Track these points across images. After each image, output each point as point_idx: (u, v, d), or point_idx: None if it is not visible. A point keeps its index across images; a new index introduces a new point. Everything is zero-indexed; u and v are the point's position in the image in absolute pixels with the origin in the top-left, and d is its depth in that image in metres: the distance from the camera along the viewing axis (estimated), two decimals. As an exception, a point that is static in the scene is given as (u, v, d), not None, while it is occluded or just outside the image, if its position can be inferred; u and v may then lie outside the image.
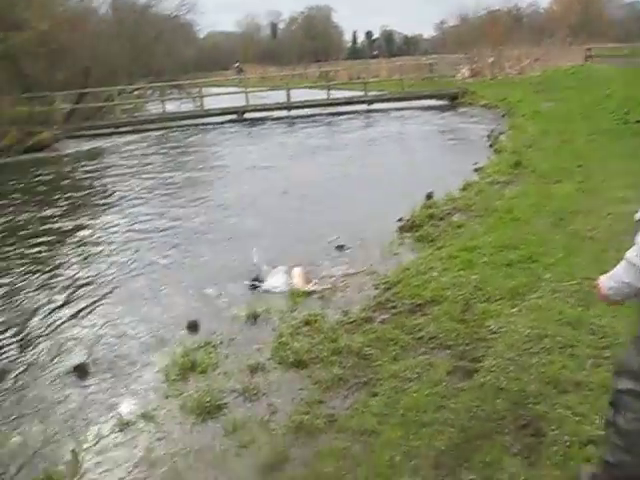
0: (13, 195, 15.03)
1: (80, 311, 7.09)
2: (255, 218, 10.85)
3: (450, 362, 4.80)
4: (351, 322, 5.78)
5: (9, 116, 22.61)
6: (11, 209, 13.35)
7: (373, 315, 5.90)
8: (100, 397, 5.00)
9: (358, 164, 15.12)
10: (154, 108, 31.08)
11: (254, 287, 7.24)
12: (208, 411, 4.47)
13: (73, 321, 6.85)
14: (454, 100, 27.69)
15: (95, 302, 7.34)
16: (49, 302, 7.43)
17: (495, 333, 5.20)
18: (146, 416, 4.52)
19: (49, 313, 7.09)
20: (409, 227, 8.91)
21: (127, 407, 4.74)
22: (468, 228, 8.31)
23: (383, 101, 28.53)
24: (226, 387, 4.81)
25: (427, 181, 11.71)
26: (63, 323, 6.79)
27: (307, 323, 5.85)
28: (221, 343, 5.66)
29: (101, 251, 9.72)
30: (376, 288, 6.72)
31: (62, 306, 7.30)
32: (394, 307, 6.02)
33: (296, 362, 5.07)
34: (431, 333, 5.30)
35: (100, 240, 10.41)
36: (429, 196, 10.34)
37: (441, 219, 9.05)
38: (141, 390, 5.03)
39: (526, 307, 5.59)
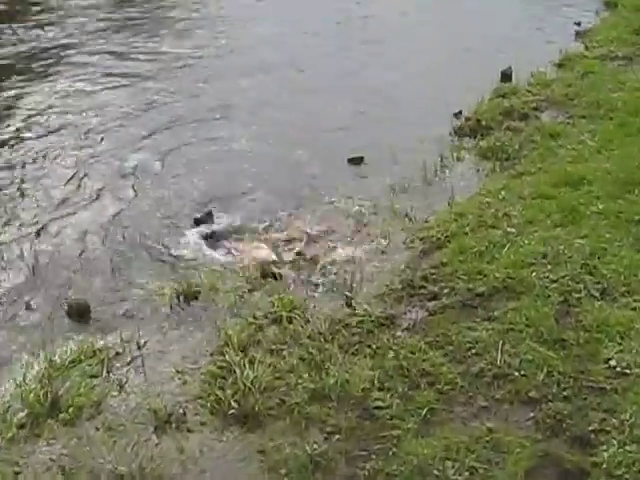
0: None
1: None
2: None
3: (535, 442, 3.22)
4: (355, 325, 4.17)
5: None
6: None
7: (396, 311, 4.35)
8: None
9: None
10: None
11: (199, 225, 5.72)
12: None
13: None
14: None
15: None
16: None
17: (621, 375, 3.69)
18: None
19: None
20: (471, 130, 7.24)
21: None
22: (569, 139, 6.71)
23: None
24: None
25: (501, 47, 9.75)
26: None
27: (276, 320, 4.27)
28: (118, 354, 4.06)
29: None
30: (407, 248, 5.11)
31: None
32: (435, 296, 4.49)
33: (242, 415, 3.50)
34: (500, 365, 3.71)
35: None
36: (506, 75, 8.46)
37: (524, 118, 7.53)
38: None
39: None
